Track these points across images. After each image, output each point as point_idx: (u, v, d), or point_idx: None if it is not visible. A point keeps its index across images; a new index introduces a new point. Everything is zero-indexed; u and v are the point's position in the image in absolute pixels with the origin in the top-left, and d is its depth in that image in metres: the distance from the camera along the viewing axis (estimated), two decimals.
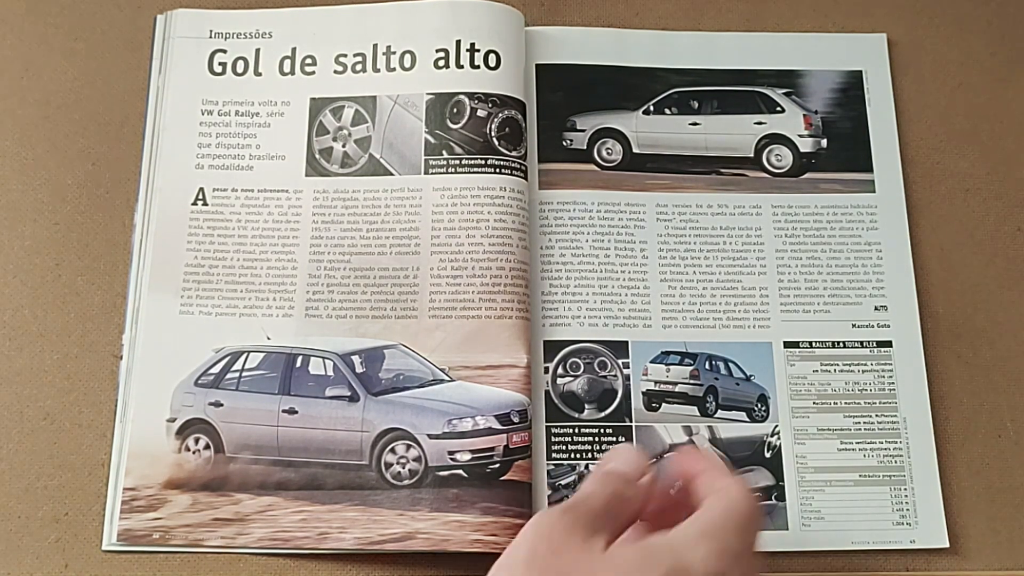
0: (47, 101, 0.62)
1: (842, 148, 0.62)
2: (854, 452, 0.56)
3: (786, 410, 0.57)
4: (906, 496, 0.55)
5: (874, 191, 0.61)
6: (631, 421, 0.56)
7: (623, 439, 0.55)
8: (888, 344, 0.58)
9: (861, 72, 0.63)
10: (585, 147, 0.61)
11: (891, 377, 0.57)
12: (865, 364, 0.57)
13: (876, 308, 0.59)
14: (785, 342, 0.58)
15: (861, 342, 0.58)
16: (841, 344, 0.58)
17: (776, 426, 0.56)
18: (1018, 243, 0.61)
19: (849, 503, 0.55)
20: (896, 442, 0.56)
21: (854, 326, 0.58)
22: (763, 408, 0.57)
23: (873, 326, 0.58)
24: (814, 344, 0.58)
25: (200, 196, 0.59)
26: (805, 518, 0.55)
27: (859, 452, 0.56)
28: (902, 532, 0.54)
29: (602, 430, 0.56)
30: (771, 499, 0.55)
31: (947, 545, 0.54)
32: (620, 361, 0.57)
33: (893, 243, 0.60)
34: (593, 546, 0.38)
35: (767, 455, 0.56)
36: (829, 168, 0.62)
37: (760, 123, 0.62)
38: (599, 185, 0.61)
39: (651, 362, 0.57)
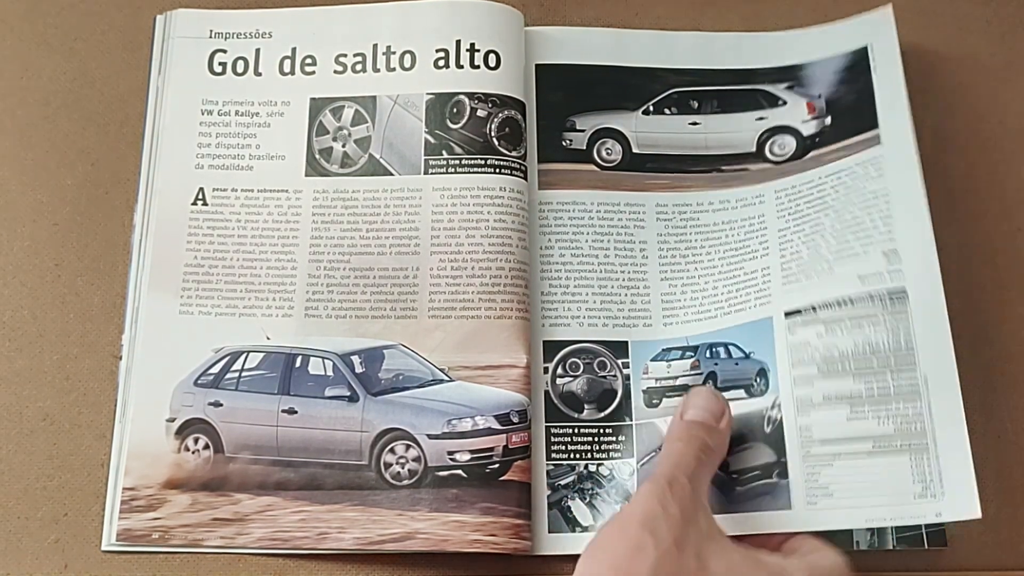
0: (47, 101, 0.62)
1: (846, 117, 0.59)
2: (867, 420, 0.50)
3: (787, 380, 0.53)
4: (929, 464, 0.49)
5: (880, 143, 0.57)
6: (631, 420, 0.56)
7: (622, 438, 0.55)
8: (902, 293, 0.52)
9: (866, 48, 0.60)
10: (585, 147, 0.61)
11: (907, 331, 0.51)
12: (876, 319, 0.52)
13: (884, 254, 0.53)
14: (786, 312, 0.54)
15: (870, 295, 0.52)
16: (847, 302, 0.53)
17: (776, 398, 0.53)
18: (1018, 243, 0.61)
19: (862, 477, 0.50)
20: (915, 403, 0.50)
21: (860, 278, 0.53)
22: (762, 382, 0.54)
23: (883, 275, 0.52)
24: (817, 308, 0.53)
25: (200, 196, 0.59)
26: (811, 496, 0.50)
27: (873, 420, 0.50)
28: (926, 505, 0.49)
29: (601, 430, 0.56)
30: (772, 477, 0.51)
31: (979, 515, 0.48)
32: (620, 361, 0.57)
33: (902, 187, 0.54)
34: (698, 526, 0.43)
35: (767, 430, 0.53)
36: (832, 140, 0.59)
37: (762, 118, 0.61)
38: (599, 185, 0.61)
39: (651, 360, 0.57)
